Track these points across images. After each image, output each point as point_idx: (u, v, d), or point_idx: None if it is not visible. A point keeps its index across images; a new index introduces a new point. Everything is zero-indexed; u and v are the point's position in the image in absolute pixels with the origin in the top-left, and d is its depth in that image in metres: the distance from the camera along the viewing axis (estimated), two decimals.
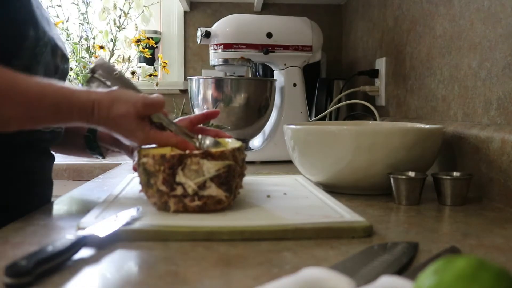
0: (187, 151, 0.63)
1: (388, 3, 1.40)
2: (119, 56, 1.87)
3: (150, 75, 1.84)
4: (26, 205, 0.73)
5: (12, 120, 0.63)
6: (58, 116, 0.65)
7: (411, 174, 0.77)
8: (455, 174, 0.77)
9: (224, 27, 1.32)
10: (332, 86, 1.69)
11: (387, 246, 0.51)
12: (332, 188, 0.83)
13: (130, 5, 1.88)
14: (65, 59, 0.83)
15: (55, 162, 0.89)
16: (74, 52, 1.77)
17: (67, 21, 1.83)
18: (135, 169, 0.71)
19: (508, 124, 0.79)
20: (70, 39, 1.81)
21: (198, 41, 1.32)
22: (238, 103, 1.26)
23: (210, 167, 0.60)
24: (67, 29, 1.82)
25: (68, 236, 0.48)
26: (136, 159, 0.66)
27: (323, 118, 1.52)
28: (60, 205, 0.75)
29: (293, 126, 0.88)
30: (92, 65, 0.75)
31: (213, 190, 0.61)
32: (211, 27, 1.33)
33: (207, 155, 0.60)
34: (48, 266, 0.43)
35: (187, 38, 2.06)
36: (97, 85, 0.69)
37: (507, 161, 0.74)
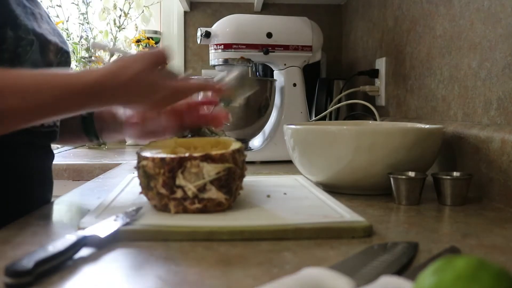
0: (210, 94, 0.62)
1: (388, 3, 1.40)
2: (119, 56, 1.87)
3: None
4: (25, 205, 0.73)
5: (8, 114, 0.60)
6: (62, 102, 0.61)
7: (411, 174, 0.77)
8: (455, 174, 0.77)
9: (224, 27, 1.32)
10: (332, 86, 1.69)
11: (387, 246, 0.51)
12: (332, 188, 0.83)
13: (130, 5, 1.88)
14: (62, 52, 0.81)
15: (55, 162, 0.89)
16: (74, 52, 1.77)
17: (67, 21, 1.83)
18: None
19: (508, 124, 0.79)
20: (70, 39, 1.81)
21: (198, 41, 1.32)
22: (238, 103, 1.26)
23: (210, 170, 0.60)
24: (67, 29, 1.82)
25: (68, 236, 0.48)
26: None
27: (323, 118, 1.52)
28: (60, 205, 0.75)
29: (293, 126, 0.88)
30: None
31: (213, 193, 0.61)
32: (211, 27, 1.33)
33: (207, 158, 0.60)
34: (48, 266, 0.43)
35: (187, 38, 2.07)
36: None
37: (507, 161, 0.74)
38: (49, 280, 0.42)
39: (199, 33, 1.31)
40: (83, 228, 0.54)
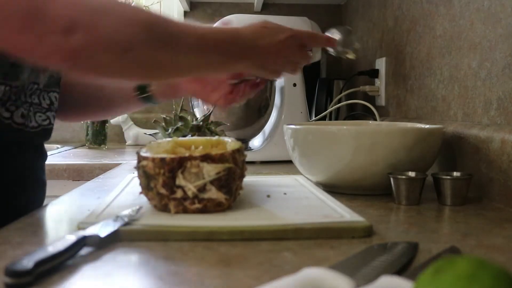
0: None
1: (388, 3, 1.40)
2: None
3: None
4: (15, 206, 0.72)
5: (163, 66, 0.63)
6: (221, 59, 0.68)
7: (411, 174, 0.77)
8: (455, 174, 0.77)
9: None
10: (332, 86, 1.69)
11: (387, 246, 0.51)
12: (332, 188, 0.83)
13: None
14: None
15: (55, 162, 0.89)
16: None
17: None
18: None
19: (508, 124, 0.79)
20: None
21: None
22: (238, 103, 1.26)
23: (210, 170, 0.60)
24: None
25: (68, 236, 0.48)
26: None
27: (323, 118, 1.52)
28: (60, 205, 0.75)
29: (293, 126, 0.88)
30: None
31: (213, 193, 0.61)
32: None
33: (207, 158, 0.60)
34: (48, 266, 0.43)
35: None
36: None
37: (507, 161, 0.74)
38: (49, 280, 0.42)
39: None
40: (83, 228, 0.54)
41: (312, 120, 1.57)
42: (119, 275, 0.45)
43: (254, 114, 1.29)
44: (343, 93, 1.55)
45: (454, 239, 0.57)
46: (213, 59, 0.68)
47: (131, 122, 2.02)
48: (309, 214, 0.62)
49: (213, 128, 1.00)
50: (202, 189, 0.60)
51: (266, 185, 0.82)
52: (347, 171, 0.80)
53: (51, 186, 0.98)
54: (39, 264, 0.42)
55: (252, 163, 1.27)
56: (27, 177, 0.80)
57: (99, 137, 1.90)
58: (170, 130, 0.97)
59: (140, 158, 0.63)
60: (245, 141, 1.33)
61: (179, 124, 0.96)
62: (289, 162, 0.98)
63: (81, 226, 0.56)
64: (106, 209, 0.64)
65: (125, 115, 2.00)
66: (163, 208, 0.62)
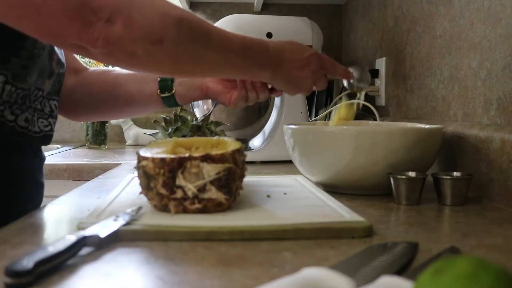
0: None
1: (388, 3, 1.40)
2: None
3: None
4: (12, 207, 0.73)
5: (208, 63, 0.69)
6: (248, 62, 0.73)
7: (411, 174, 0.77)
8: (455, 174, 0.77)
9: (224, 27, 1.31)
10: (332, 86, 1.69)
11: (387, 246, 0.51)
12: (332, 188, 0.83)
13: None
14: (61, 64, 0.83)
15: (55, 162, 0.89)
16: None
17: None
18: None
19: (508, 124, 0.79)
20: None
21: None
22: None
23: (210, 170, 0.60)
24: None
25: (68, 236, 0.48)
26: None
27: (323, 118, 1.51)
28: (60, 205, 0.75)
29: (293, 126, 0.88)
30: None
31: (213, 193, 0.61)
32: None
33: (207, 158, 0.60)
34: (48, 266, 0.43)
35: None
36: None
37: (507, 161, 0.74)
38: (49, 280, 0.42)
39: None
40: (83, 228, 0.54)
41: (312, 120, 1.57)
42: (119, 275, 0.45)
43: (254, 114, 1.29)
44: (343, 93, 1.55)
45: (454, 239, 0.57)
46: (238, 61, 0.72)
47: (131, 122, 2.02)
48: (309, 214, 0.62)
49: (213, 128, 1.00)
50: (202, 189, 0.60)
51: (266, 185, 0.82)
52: (347, 171, 0.80)
53: (51, 186, 0.98)
54: (39, 264, 0.42)
55: (252, 163, 1.27)
56: (25, 178, 0.80)
57: (99, 137, 1.90)
58: (170, 130, 0.96)
59: (140, 158, 0.63)
60: (245, 141, 1.33)
61: (179, 124, 0.96)
62: (289, 162, 0.98)
63: (81, 226, 0.56)
64: (106, 209, 0.64)
65: None
66: (163, 208, 0.62)
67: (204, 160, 0.60)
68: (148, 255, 0.50)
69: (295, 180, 0.89)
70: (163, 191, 0.61)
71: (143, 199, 0.66)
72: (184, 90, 0.91)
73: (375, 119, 1.33)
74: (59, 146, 1.88)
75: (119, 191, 0.76)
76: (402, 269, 0.45)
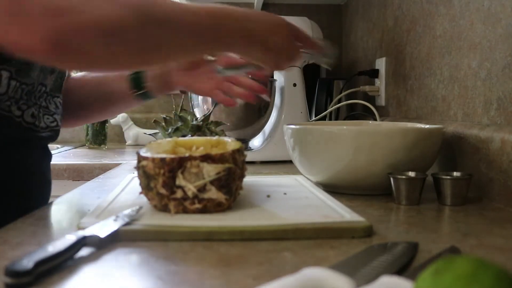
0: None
1: (388, 3, 1.40)
2: None
3: None
4: (23, 205, 0.73)
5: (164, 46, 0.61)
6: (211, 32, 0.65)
7: (411, 174, 0.77)
8: (455, 174, 0.77)
9: None
10: (332, 86, 1.69)
11: (387, 246, 0.51)
12: (332, 188, 0.83)
13: None
14: None
15: (55, 162, 0.89)
16: None
17: None
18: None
19: (508, 124, 0.79)
20: None
21: None
22: (238, 103, 1.26)
23: (210, 170, 0.60)
24: None
25: (68, 236, 0.48)
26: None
27: (323, 118, 1.52)
28: (60, 205, 0.75)
29: (293, 126, 0.88)
30: None
31: (213, 193, 0.61)
32: None
33: (207, 158, 0.60)
34: (48, 266, 0.43)
35: None
36: None
37: (507, 161, 0.74)
38: (49, 280, 0.42)
39: None
40: (83, 228, 0.54)
41: (312, 120, 1.57)
42: (119, 275, 0.45)
43: (254, 114, 1.29)
44: (343, 93, 1.55)
45: (454, 239, 0.57)
46: (210, 35, 0.66)
47: (131, 122, 2.02)
48: (309, 214, 0.62)
49: (213, 128, 1.00)
50: (202, 189, 0.60)
51: (266, 185, 0.82)
52: (347, 171, 0.80)
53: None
54: (39, 264, 0.42)
55: (252, 163, 1.27)
56: (34, 175, 0.81)
57: (99, 137, 1.90)
58: (170, 130, 0.96)
59: (140, 158, 0.63)
60: (245, 141, 1.33)
61: (179, 124, 0.95)
62: (289, 162, 0.98)
63: (81, 226, 0.55)
64: (106, 209, 0.64)
65: (125, 115, 2.00)
66: (163, 208, 0.62)
67: (204, 160, 0.60)
68: (148, 255, 0.50)
69: (295, 180, 0.89)
70: (163, 191, 0.61)
71: (143, 199, 0.66)
72: (155, 85, 0.92)
73: (375, 119, 1.33)
74: (59, 146, 1.88)
75: (119, 191, 0.76)
76: (402, 269, 0.45)
